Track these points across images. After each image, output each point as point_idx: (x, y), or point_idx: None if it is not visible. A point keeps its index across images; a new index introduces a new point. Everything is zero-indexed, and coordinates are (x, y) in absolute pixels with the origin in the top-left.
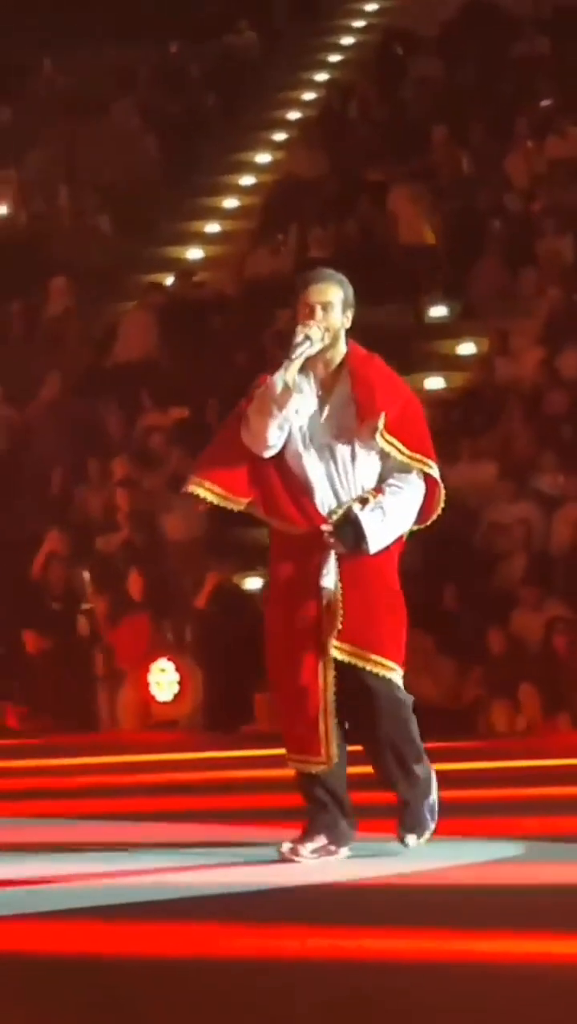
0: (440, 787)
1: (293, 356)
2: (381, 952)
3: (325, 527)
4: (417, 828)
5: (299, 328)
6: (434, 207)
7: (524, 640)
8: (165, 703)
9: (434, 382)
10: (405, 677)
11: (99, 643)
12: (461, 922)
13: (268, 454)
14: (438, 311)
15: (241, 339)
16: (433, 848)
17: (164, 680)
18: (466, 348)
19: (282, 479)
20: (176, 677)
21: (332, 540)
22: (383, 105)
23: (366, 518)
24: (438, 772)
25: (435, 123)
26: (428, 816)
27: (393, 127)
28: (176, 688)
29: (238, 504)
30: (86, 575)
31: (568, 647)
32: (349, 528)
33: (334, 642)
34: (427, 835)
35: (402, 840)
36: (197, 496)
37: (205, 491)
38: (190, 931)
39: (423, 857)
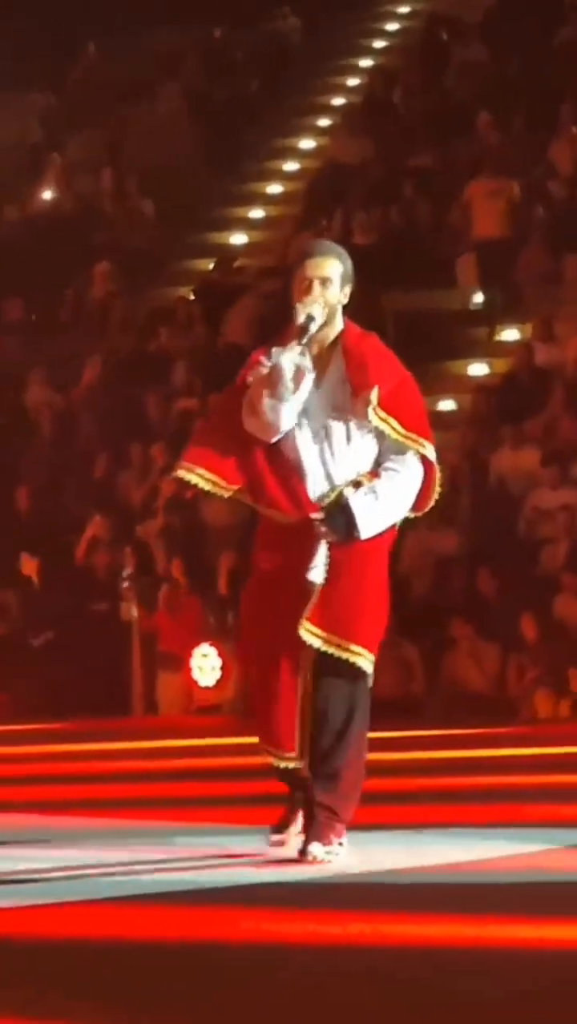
0: (485, 773)
1: (304, 340)
2: (433, 938)
3: (315, 515)
4: (323, 838)
5: (299, 307)
6: (513, 202)
7: (567, 626)
8: (207, 688)
9: (477, 368)
10: (450, 661)
11: (140, 628)
12: (507, 909)
13: (276, 439)
14: (481, 297)
15: (283, 324)
16: (477, 836)
17: (206, 665)
18: (510, 334)
19: (272, 464)
20: (219, 662)
21: (323, 529)
22: (427, 91)
23: (358, 503)
24: (482, 758)
25: (479, 109)
26: (336, 827)
27: (437, 113)
28: (218, 673)
29: (228, 491)
30: (129, 561)
31: None
32: (340, 515)
33: (308, 625)
34: (333, 847)
35: (304, 851)
36: (187, 483)
37: (196, 477)
38: (234, 916)
39: (469, 845)
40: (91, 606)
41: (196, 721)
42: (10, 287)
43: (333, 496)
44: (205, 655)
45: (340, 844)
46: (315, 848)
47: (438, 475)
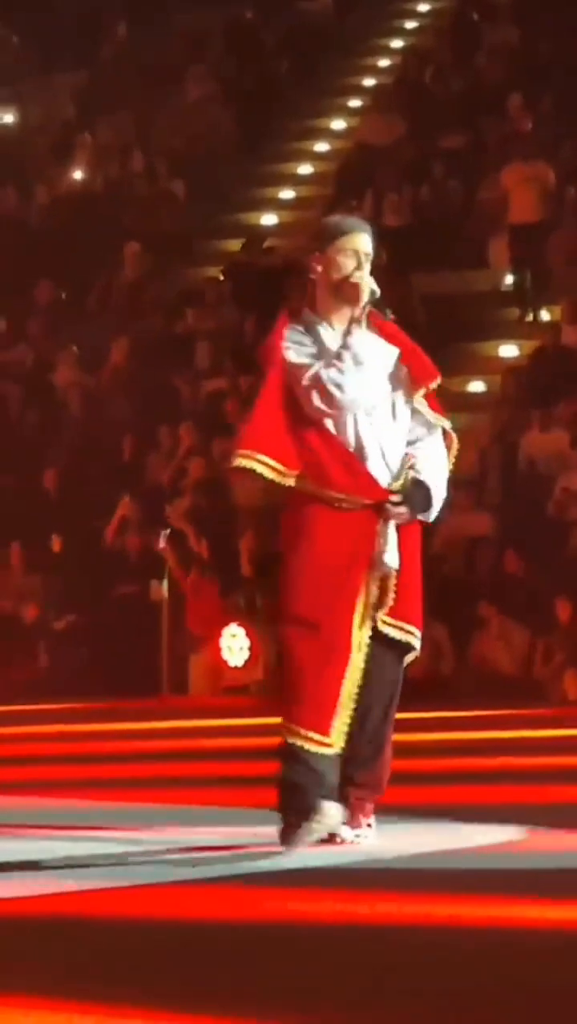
0: (513, 754)
1: (362, 315)
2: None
3: (394, 497)
4: (352, 820)
5: (356, 280)
6: (548, 187)
7: None
8: (236, 668)
9: (508, 349)
10: (479, 643)
11: (170, 608)
12: (533, 890)
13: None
14: (512, 278)
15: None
16: (504, 817)
17: (235, 645)
18: (541, 315)
19: (330, 447)
20: (247, 643)
21: (401, 510)
22: (458, 72)
23: (432, 481)
24: (511, 740)
25: (510, 90)
26: (366, 808)
27: (468, 94)
28: (247, 654)
29: (289, 477)
30: (162, 541)
31: None
32: (419, 494)
33: (385, 618)
34: (362, 829)
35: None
36: (250, 472)
37: (258, 464)
38: (259, 896)
39: (497, 826)
40: (120, 587)
41: (225, 701)
42: (40, 269)
43: (404, 479)
44: (234, 635)
45: (368, 826)
46: (344, 831)
47: (456, 447)
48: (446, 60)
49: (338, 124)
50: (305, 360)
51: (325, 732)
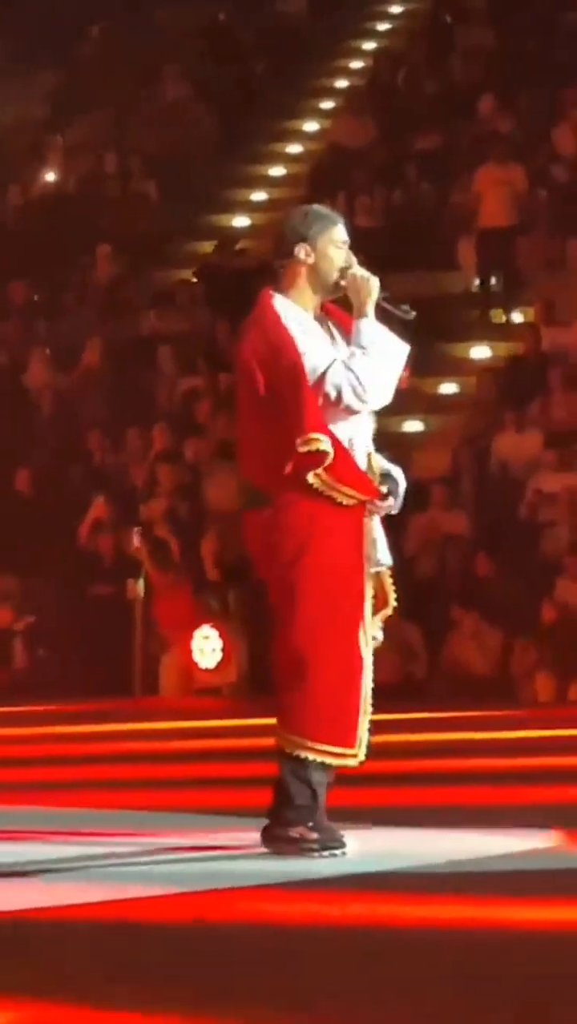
0: (486, 755)
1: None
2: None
3: (386, 492)
4: None
5: (356, 267)
6: (520, 190)
7: (570, 609)
8: (208, 670)
9: (481, 351)
10: (452, 644)
11: (143, 609)
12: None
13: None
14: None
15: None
16: (478, 819)
17: (207, 647)
18: (514, 317)
19: (336, 440)
20: (219, 644)
21: (391, 502)
22: (432, 74)
23: (399, 475)
24: (483, 741)
25: (483, 92)
26: None
27: (441, 96)
28: (219, 655)
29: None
30: (135, 540)
31: None
32: (396, 488)
33: (379, 620)
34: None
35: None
36: (323, 455)
37: (327, 446)
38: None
39: (471, 827)
40: (94, 588)
41: (198, 703)
42: (13, 269)
43: (381, 470)
44: (206, 637)
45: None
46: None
47: None
48: (419, 62)
49: (311, 126)
50: (313, 347)
51: (351, 744)
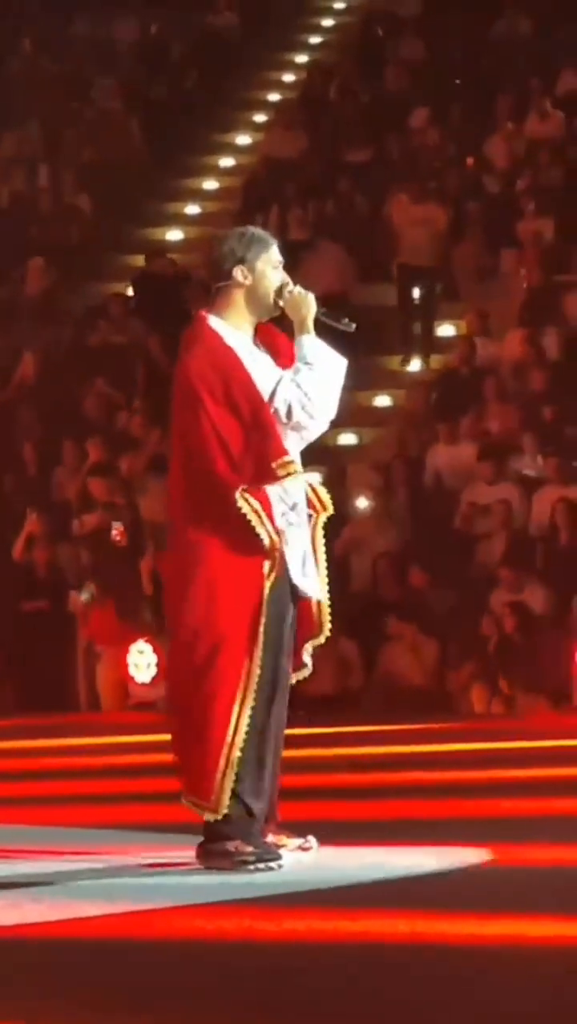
0: (422, 768)
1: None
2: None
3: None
4: None
5: (292, 286)
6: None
7: (504, 621)
8: (144, 684)
9: (414, 363)
10: (388, 656)
11: (80, 624)
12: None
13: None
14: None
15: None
16: (413, 831)
17: (142, 662)
18: (445, 329)
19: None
20: (154, 659)
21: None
22: (364, 87)
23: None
24: (419, 754)
25: (416, 105)
26: None
27: (373, 108)
28: (154, 670)
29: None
30: (115, 532)
31: (522, 631)
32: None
33: (310, 647)
34: None
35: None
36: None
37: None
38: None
39: (404, 840)
40: (28, 603)
41: (133, 717)
42: None
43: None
44: (141, 652)
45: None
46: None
47: None
48: (351, 75)
49: (243, 139)
50: (260, 369)
51: (205, 798)
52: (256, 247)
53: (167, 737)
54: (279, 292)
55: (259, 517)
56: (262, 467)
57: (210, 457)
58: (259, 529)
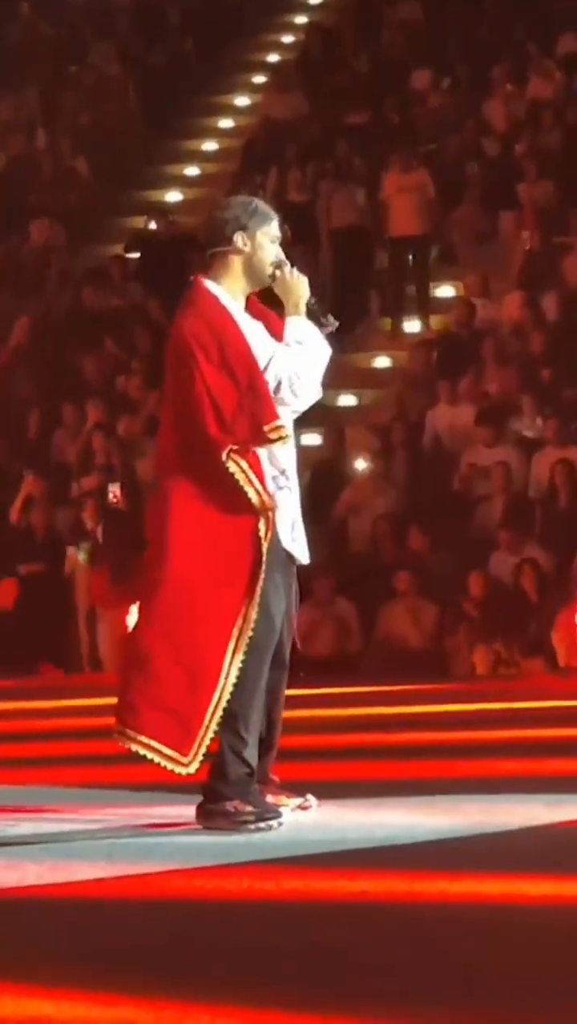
0: (420, 729)
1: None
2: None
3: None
4: None
5: (298, 273)
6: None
7: (502, 583)
8: None
9: (413, 324)
10: (387, 618)
11: (78, 583)
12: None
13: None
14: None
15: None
16: (411, 792)
17: None
18: (445, 291)
19: None
20: None
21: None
22: (362, 48)
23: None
24: (419, 714)
25: (414, 67)
26: None
27: (372, 70)
28: None
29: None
30: (111, 495)
31: (538, 590)
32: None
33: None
34: None
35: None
36: (282, 437)
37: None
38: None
39: (404, 802)
40: (26, 566)
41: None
42: None
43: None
44: None
45: None
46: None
47: None
48: (350, 36)
49: (242, 100)
50: (256, 337)
51: (184, 752)
52: (258, 217)
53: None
54: (277, 265)
55: (247, 476)
56: (254, 430)
57: (201, 417)
58: (247, 488)
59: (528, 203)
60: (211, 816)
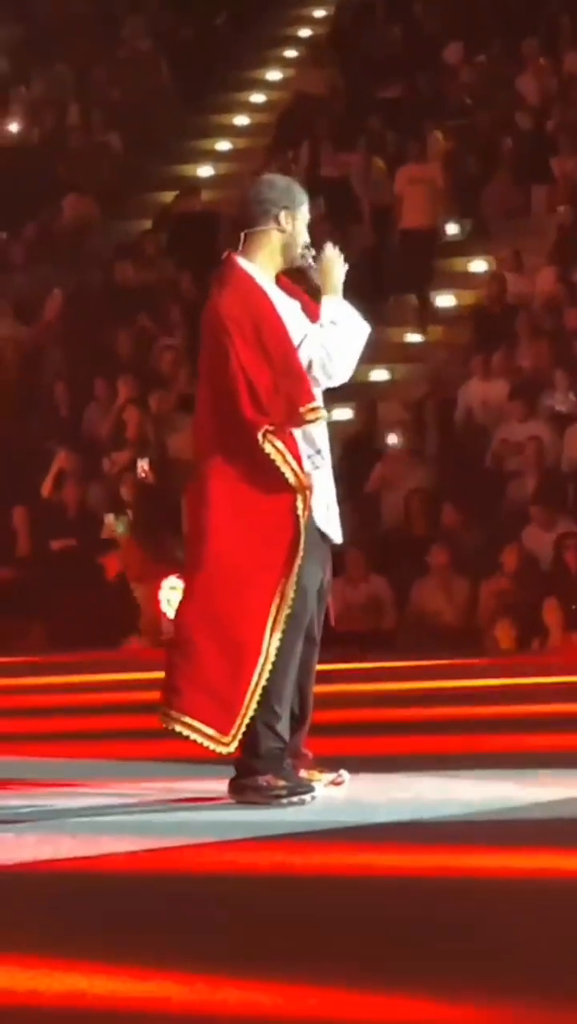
0: (452, 704)
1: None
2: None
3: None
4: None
5: (337, 252)
6: (437, 189)
7: (536, 558)
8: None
9: (446, 299)
10: (419, 593)
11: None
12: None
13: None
14: (451, 229)
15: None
16: (444, 767)
17: (175, 598)
18: (478, 266)
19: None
20: None
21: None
22: (395, 22)
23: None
24: (452, 689)
25: (447, 41)
26: None
27: (404, 45)
28: None
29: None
30: (140, 471)
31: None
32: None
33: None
34: None
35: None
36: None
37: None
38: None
39: (438, 777)
40: (58, 541)
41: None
42: None
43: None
44: (174, 588)
45: None
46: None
47: None
48: (382, 10)
49: (274, 75)
50: (290, 317)
51: (225, 731)
52: (298, 198)
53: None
54: (307, 246)
55: (283, 457)
56: (290, 411)
57: (237, 398)
58: (283, 468)
59: (561, 177)
60: (244, 790)
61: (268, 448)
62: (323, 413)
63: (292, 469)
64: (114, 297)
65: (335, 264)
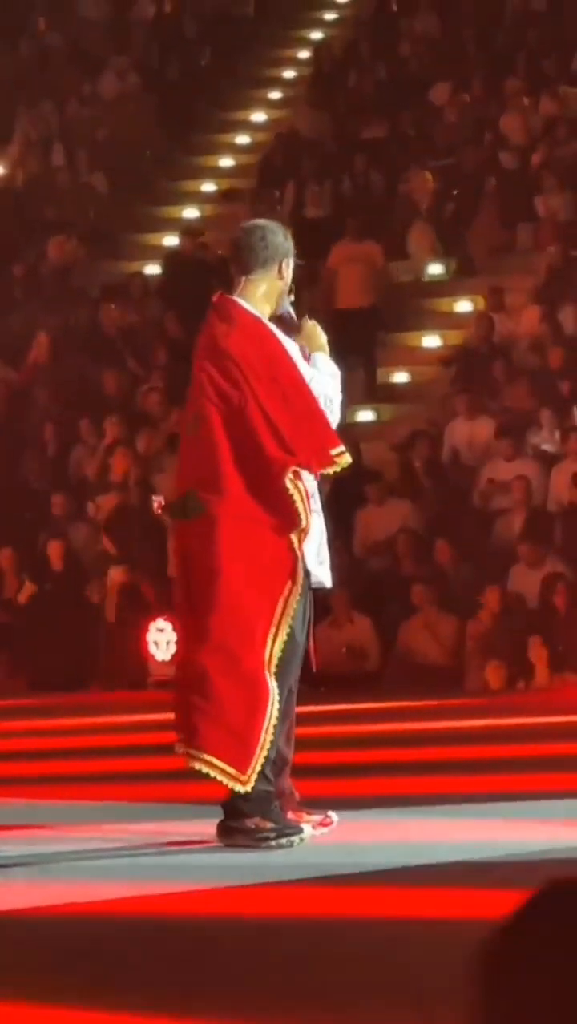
0: (437, 745)
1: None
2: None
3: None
4: None
5: (315, 323)
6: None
7: (522, 597)
8: (163, 662)
9: (431, 340)
10: (405, 633)
11: (100, 602)
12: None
13: None
14: (435, 269)
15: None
16: (427, 808)
17: (162, 640)
18: (463, 306)
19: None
20: (174, 637)
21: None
22: (378, 63)
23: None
24: (436, 730)
25: (431, 81)
26: None
27: (388, 85)
28: (174, 648)
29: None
30: (156, 506)
31: (567, 604)
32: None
33: None
34: None
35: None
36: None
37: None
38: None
39: (421, 817)
40: (49, 584)
41: (153, 696)
42: None
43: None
44: (161, 630)
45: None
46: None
47: None
48: (365, 51)
49: (259, 116)
50: (297, 359)
51: (243, 770)
52: (291, 247)
53: (185, 701)
54: (291, 291)
55: (302, 498)
56: (321, 454)
57: (258, 438)
58: (301, 511)
59: (546, 216)
60: (232, 833)
61: (291, 489)
62: (347, 458)
63: (305, 511)
64: (101, 338)
65: (317, 330)
